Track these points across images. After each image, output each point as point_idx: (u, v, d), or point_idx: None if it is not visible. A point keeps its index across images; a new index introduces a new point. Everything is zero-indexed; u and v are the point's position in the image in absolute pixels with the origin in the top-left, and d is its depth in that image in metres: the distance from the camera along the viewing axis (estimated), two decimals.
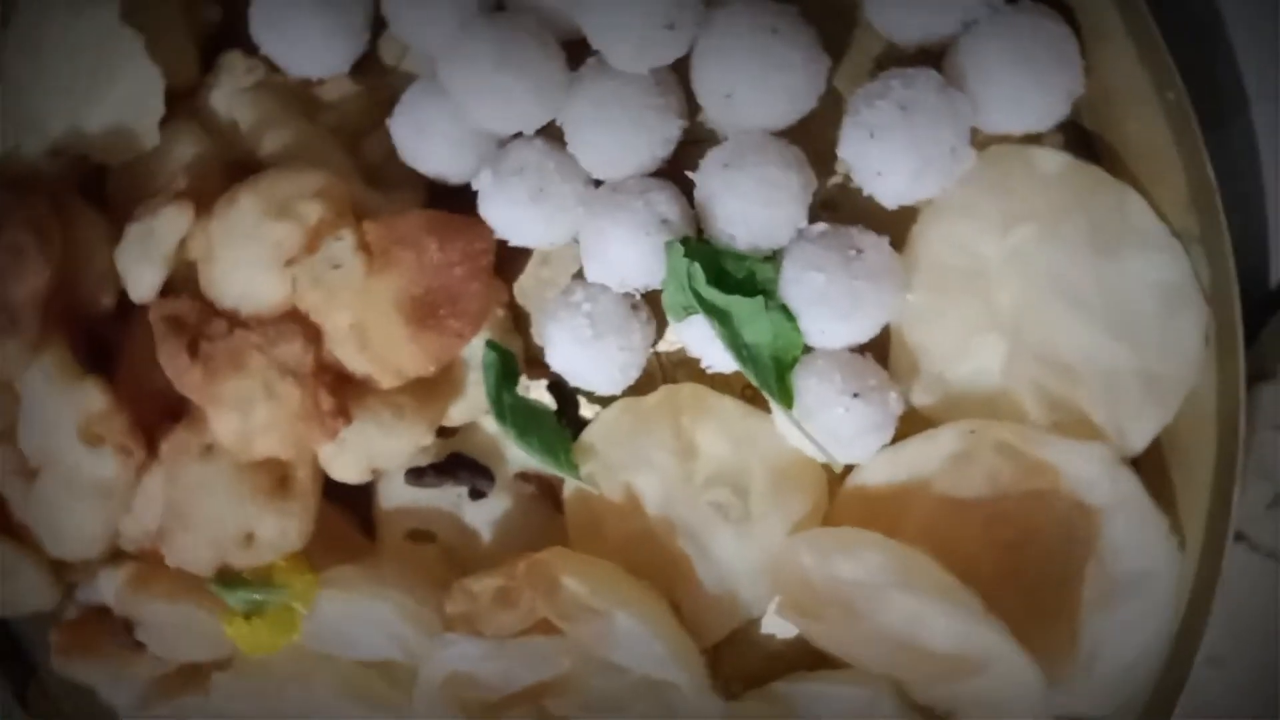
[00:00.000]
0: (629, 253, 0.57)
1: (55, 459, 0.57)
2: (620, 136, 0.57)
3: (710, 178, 0.58)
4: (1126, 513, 0.57)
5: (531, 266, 0.63)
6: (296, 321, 0.57)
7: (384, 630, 0.61)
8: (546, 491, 0.64)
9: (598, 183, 0.60)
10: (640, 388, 0.61)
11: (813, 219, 0.58)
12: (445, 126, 0.59)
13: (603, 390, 0.61)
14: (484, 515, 0.64)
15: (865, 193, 0.57)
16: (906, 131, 0.54)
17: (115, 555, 0.61)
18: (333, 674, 0.62)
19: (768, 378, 0.57)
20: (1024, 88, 0.56)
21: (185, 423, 0.58)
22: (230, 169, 0.60)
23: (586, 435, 0.62)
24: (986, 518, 0.58)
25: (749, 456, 0.60)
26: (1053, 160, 0.58)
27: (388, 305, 0.56)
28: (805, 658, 0.61)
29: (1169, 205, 0.57)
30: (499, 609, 0.59)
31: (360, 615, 0.61)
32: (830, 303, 0.56)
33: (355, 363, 0.57)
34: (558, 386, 0.63)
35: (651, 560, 0.61)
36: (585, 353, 0.59)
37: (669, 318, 0.59)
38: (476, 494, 0.64)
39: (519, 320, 0.64)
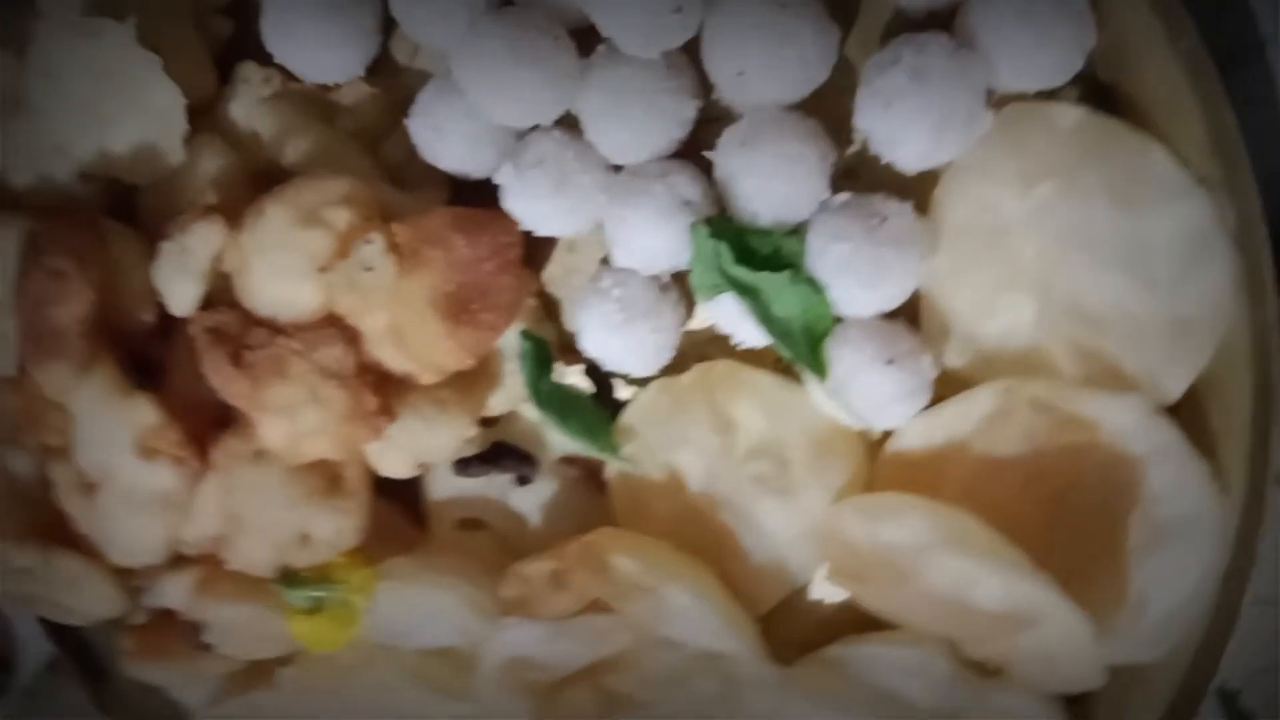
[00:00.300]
0: (654, 237, 0.58)
1: (113, 474, 0.59)
2: (636, 122, 0.57)
3: (729, 157, 0.58)
4: (1167, 461, 0.57)
5: (558, 254, 0.64)
6: (334, 325, 0.58)
7: (443, 618, 0.62)
8: (590, 474, 0.65)
9: (618, 168, 0.60)
10: (674, 367, 0.62)
11: (834, 188, 0.58)
12: (463, 124, 0.59)
13: (638, 373, 0.61)
14: (531, 500, 0.65)
15: (884, 160, 0.57)
16: (921, 99, 0.54)
17: (177, 559, 0.63)
18: (395, 663, 0.63)
19: (801, 350, 0.58)
20: (1036, 44, 0.55)
21: (234, 430, 0.59)
22: (256, 179, 0.60)
23: (625, 417, 0.63)
24: (1027, 474, 0.58)
25: (787, 428, 0.61)
26: (1070, 115, 0.57)
27: (422, 304, 0.57)
28: (855, 621, 0.62)
29: (1190, 152, 0.56)
30: (553, 592, 0.60)
31: (419, 605, 0.62)
32: (857, 272, 0.56)
33: (395, 362, 0.58)
34: (593, 370, 0.64)
35: (698, 535, 0.62)
36: (617, 338, 0.60)
37: (697, 298, 0.59)
38: (522, 480, 0.65)
39: (549, 307, 0.64)
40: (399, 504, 0.66)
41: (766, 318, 0.57)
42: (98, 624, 0.65)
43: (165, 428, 0.58)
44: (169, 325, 0.60)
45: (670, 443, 0.62)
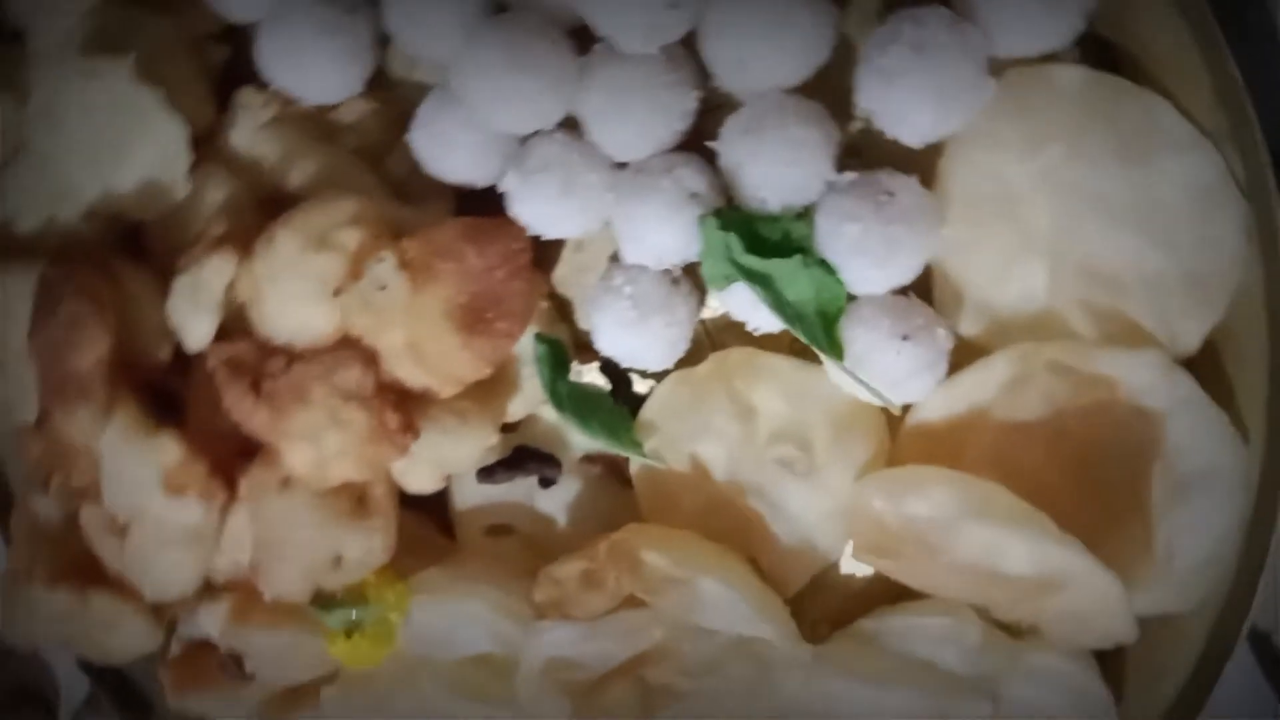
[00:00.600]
0: (663, 232, 0.58)
1: (142, 512, 0.59)
2: (638, 118, 0.57)
3: (733, 146, 0.57)
4: (1187, 413, 0.57)
5: (567, 254, 0.64)
6: (351, 347, 0.58)
7: (479, 626, 0.62)
8: (614, 470, 0.65)
9: (622, 165, 0.59)
10: (690, 358, 0.62)
11: (839, 167, 0.57)
12: (465, 134, 0.59)
13: (654, 368, 0.61)
14: (557, 502, 0.65)
15: (889, 136, 0.57)
16: (923, 73, 0.54)
17: (209, 588, 0.63)
18: (436, 675, 0.63)
19: (816, 333, 0.58)
20: (1036, 9, 0.55)
21: (260, 460, 0.59)
22: (262, 205, 0.60)
23: (645, 412, 0.63)
24: (1049, 437, 0.59)
25: (807, 410, 0.61)
26: (1072, 76, 0.57)
27: (436, 317, 0.57)
28: (886, 593, 0.62)
29: (1196, 105, 0.56)
30: (586, 591, 0.60)
31: (454, 615, 0.62)
32: (868, 250, 0.56)
33: (413, 377, 0.58)
34: (609, 367, 0.64)
35: (726, 523, 0.62)
36: (632, 335, 0.60)
37: (709, 289, 0.59)
38: (546, 482, 0.65)
39: (561, 308, 0.64)
40: (426, 515, 0.66)
41: (780, 304, 0.57)
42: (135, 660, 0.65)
43: (190, 463, 0.58)
44: (185, 358, 0.60)
45: (692, 434, 0.62)
